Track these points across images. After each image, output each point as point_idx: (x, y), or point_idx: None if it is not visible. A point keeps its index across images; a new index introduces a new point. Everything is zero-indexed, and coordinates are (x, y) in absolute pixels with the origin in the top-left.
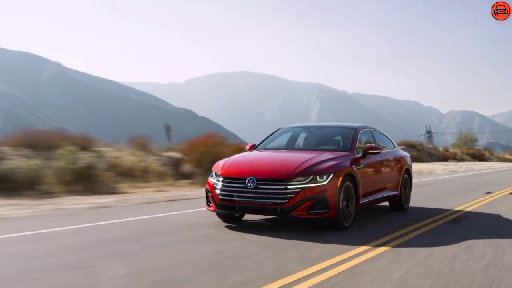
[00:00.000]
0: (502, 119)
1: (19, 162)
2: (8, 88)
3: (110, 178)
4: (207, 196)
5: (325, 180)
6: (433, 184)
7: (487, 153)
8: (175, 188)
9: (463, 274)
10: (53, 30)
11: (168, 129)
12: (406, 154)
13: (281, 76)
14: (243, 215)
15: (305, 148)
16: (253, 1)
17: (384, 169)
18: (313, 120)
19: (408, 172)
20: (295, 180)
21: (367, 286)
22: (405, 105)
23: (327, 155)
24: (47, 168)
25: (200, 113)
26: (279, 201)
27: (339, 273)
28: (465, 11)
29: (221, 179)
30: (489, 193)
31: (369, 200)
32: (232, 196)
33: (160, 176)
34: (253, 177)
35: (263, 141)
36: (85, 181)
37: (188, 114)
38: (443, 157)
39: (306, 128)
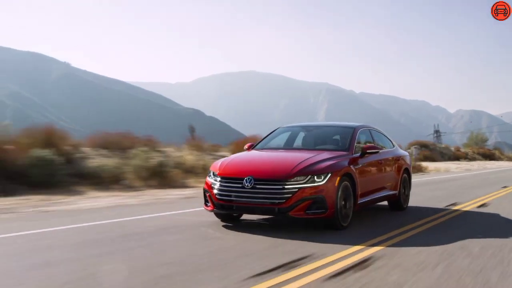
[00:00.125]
0: (510, 118)
1: (101, 161)
2: (17, 88)
3: (178, 175)
4: (205, 196)
5: (322, 180)
6: (455, 180)
7: (497, 153)
8: None
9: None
10: (61, 30)
11: (192, 130)
12: (405, 153)
13: (288, 75)
14: (241, 215)
15: (304, 148)
16: (261, 1)
17: (383, 169)
18: (321, 120)
19: (407, 171)
20: (292, 180)
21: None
22: (413, 104)
23: (325, 155)
24: (126, 166)
25: (207, 113)
26: (277, 201)
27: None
28: (472, 10)
29: (218, 179)
30: (505, 187)
31: (367, 199)
32: (230, 196)
33: None
34: (250, 177)
35: (262, 140)
36: (158, 177)
37: (196, 114)
38: (455, 157)
39: (305, 128)
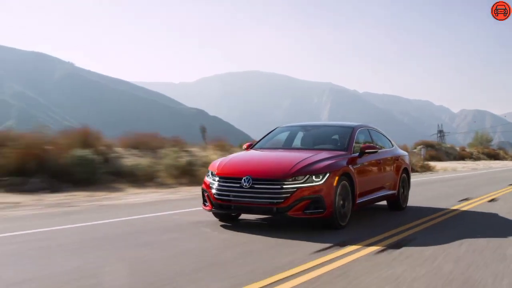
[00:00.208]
0: None
1: (135, 160)
2: (22, 88)
3: (205, 173)
4: (203, 196)
5: (321, 180)
6: (464, 179)
7: (501, 153)
8: None
9: None
10: (65, 30)
11: (203, 130)
12: (404, 153)
13: (292, 75)
14: (239, 215)
15: (302, 148)
16: (263, 1)
17: (382, 168)
18: (324, 120)
19: (406, 171)
20: (290, 179)
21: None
22: (416, 104)
23: (323, 155)
24: (158, 165)
25: (210, 112)
26: (275, 200)
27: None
28: (476, 9)
29: (217, 178)
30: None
31: (366, 199)
32: (228, 195)
33: None
34: (248, 177)
35: (260, 140)
36: (188, 175)
37: (200, 113)
38: (460, 156)
39: (303, 127)
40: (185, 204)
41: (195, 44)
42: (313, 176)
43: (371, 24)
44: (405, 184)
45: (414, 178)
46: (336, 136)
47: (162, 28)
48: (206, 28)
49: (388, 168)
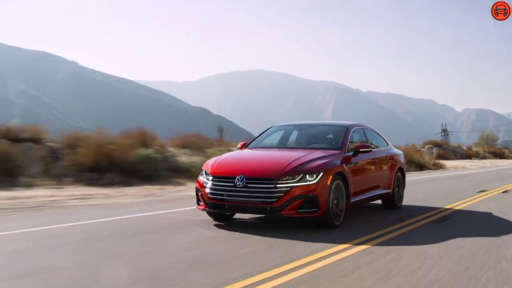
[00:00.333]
0: None
1: (188, 158)
2: (26, 87)
3: None
4: (197, 195)
5: (314, 179)
6: (476, 175)
7: (507, 152)
8: None
9: None
10: (68, 30)
11: (221, 130)
12: (399, 152)
13: (295, 74)
14: (233, 214)
15: (296, 147)
16: (267, 1)
17: (376, 168)
18: (328, 118)
19: (401, 170)
20: (284, 178)
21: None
22: (420, 103)
23: (317, 154)
24: None
25: (214, 111)
26: (269, 200)
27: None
28: (479, 9)
29: (210, 178)
30: None
31: (360, 198)
32: (222, 195)
33: None
34: (242, 176)
35: (255, 139)
36: None
37: (204, 112)
38: (467, 155)
39: (298, 127)
40: None
41: (198, 43)
42: (307, 175)
43: (374, 23)
44: (400, 183)
45: (432, 174)
46: (330, 135)
47: (165, 27)
48: (209, 27)
49: (382, 167)
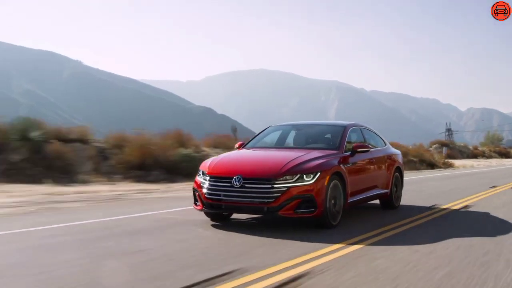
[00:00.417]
0: None
1: None
2: (31, 86)
3: None
4: (194, 195)
5: (312, 179)
6: (484, 173)
7: None
8: None
9: None
10: (73, 29)
11: (234, 130)
12: (397, 152)
13: (299, 73)
14: (231, 214)
15: (294, 147)
16: (270, 0)
17: (374, 167)
18: (332, 118)
19: (399, 170)
20: (281, 179)
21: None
22: (424, 102)
23: (315, 154)
24: None
25: (218, 111)
26: (266, 200)
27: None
28: (483, 8)
29: (207, 178)
30: None
31: (358, 198)
32: (219, 195)
33: None
34: (239, 176)
35: (252, 139)
36: None
37: (208, 112)
38: (473, 155)
39: (295, 127)
40: None
41: (202, 42)
42: (304, 175)
43: (378, 22)
44: (398, 183)
45: (445, 173)
46: (328, 135)
47: (168, 27)
48: (212, 26)
49: (380, 167)
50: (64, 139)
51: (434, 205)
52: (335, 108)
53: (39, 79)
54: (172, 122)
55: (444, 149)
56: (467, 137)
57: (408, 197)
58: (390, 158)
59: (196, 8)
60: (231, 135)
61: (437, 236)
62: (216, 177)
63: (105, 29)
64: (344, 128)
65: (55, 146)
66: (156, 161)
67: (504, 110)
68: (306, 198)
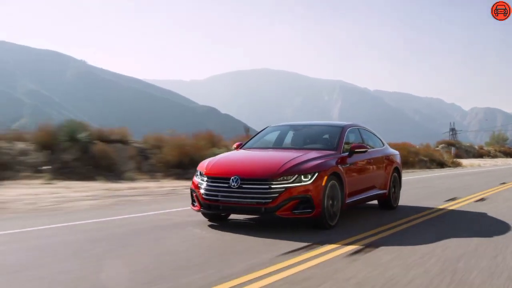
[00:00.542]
0: None
1: None
2: (35, 86)
3: None
4: (192, 196)
5: (309, 180)
6: (492, 172)
7: None
8: None
9: None
10: (77, 29)
11: (247, 130)
12: (395, 152)
13: (302, 73)
14: (228, 215)
15: (292, 147)
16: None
17: (372, 168)
18: (335, 117)
19: (397, 170)
20: (279, 179)
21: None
22: (427, 102)
23: (312, 154)
24: None
25: (221, 110)
26: (263, 200)
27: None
28: (486, 8)
29: (205, 178)
30: None
31: (356, 199)
32: (216, 195)
33: None
34: (237, 177)
35: (250, 139)
36: None
37: (212, 111)
38: (479, 154)
39: (293, 127)
40: None
41: (205, 42)
42: (302, 176)
43: (382, 22)
44: (396, 183)
45: (455, 171)
46: (326, 136)
47: (171, 26)
48: (215, 26)
49: (378, 168)
50: (106, 140)
51: (455, 197)
52: (338, 107)
53: (43, 78)
54: (176, 122)
55: (453, 149)
56: (471, 137)
57: (432, 191)
58: (388, 159)
59: (200, 8)
60: (245, 135)
61: (470, 217)
62: (213, 177)
63: (108, 29)
64: (342, 129)
65: (100, 146)
66: (192, 160)
67: (508, 109)
68: (303, 199)
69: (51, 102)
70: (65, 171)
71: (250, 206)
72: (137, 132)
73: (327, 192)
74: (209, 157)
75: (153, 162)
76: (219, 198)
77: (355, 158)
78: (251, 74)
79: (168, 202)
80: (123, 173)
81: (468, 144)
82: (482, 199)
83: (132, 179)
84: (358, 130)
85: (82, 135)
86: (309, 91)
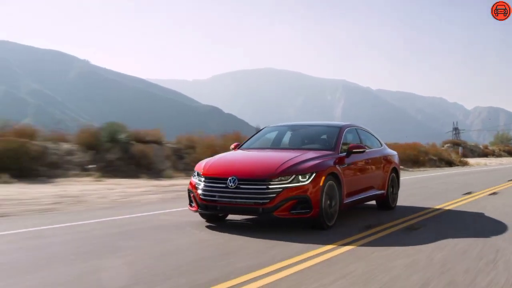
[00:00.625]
0: None
1: None
2: (39, 86)
3: None
4: (189, 196)
5: (307, 180)
6: (499, 170)
7: None
8: None
9: None
10: (80, 29)
11: (259, 131)
12: (393, 152)
13: (305, 72)
14: (226, 215)
15: (290, 147)
16: None
17: (370, 168)
18: (338, 117)
19: (396, 170)
20: (276, 179)
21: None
22: (430, 101)
23: (310, 154)
24: None
25: (224, 110)
26: (261, 201)
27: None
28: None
29: (202, 179)
30: None
31: (354, 199)
32: (214, 196)
33: None
34: (234, 177)
35: (248, 140)
36: None
37: (215, 111)
38: (484, 154)
39: (291, 127)
40: None
41: (208, 41)
42: (299, 176)
43: (385, 21)
44: (394, 183)
45: (464, 170)
46: (323, 136)
47: (174, 26)
48: (218, 25)
49: (376, 168)
50: (142, 141)
51: (471, 191)
52: (341, 107)
53: (47, 78)
54: (179, 121)
55: (460, 149)
56: (474, 136)
57: (449, 186)
58: (386, 159)
59: (203, 7)
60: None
61: (488, 207)
62: (211, 178)
63: (111, 28)
64: (340, 129)
65: (139, 147)
66: None
67: (511, 108)
68: (301, 199)
69: (54, 102)
70: (109, 170)
71: (247, 207)
72: None
73: (325, 192)
74: None
75: (187, 161)
76: (217, 199)
77: (353, 158)
78: (254, 74)
79: None
80: (161, 172)
81: (473, 144)
82: (494, 193)
83: (170, 177)
84: (356, 130)
85: (121, 136)
86: (312, 90)
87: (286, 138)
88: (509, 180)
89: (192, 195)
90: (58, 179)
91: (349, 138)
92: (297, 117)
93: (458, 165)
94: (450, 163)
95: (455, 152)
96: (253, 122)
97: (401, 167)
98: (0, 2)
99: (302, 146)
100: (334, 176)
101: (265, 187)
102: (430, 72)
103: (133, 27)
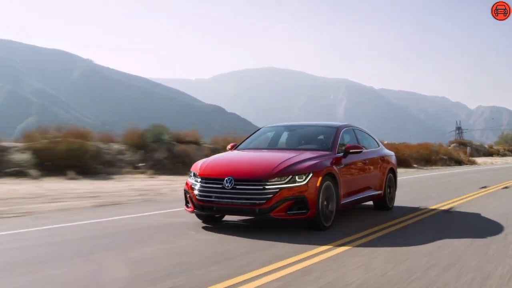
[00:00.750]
0: None
1: None
2: (42, 85)
3: None
4: (185, 197)
5: (304, 180)
6: (507, 168)
7: None
8: None
9: None
10: (84, 28)
11: None
12: (391, 153)
13: (308, 72)
14: (223, 216)
15: (286, 148)
16: None
17: (367, 168)
18: (341, 116)
19: (393, 171)
20: (273, 180)
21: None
22: (433, 100)
23: (307, 155)
24: None
25: (227, 109)
26: (257, 201)
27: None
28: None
29: (199, 179)
30: None
31: (351, 200)
32: (210, 197)
33: None
34: (231, 178)
35: (244, 140)
36: None
37: (218, 110)
38: (489, 153)
39: (288, 127)
40: None
41: (211, 41)
42: (296, 177)
43: (387, 20)
44: (392, 184)
45: (474, 168)
46: (320, 136)
47: (177, 25)
48: (221, 25)
49: (373, 168)
50: (183, 141)
51: (486, 186)
52: (343, 106)
53: (50, 78)
54: (182, 121)
55: (469, 148)
56: (477, 136)
57: (467, 182)
58: (383, 159)
59: (206, 7)
60: None
61: (503, 196)
62: (207, 178)
63: (114, 28)
64: (337, 129)
65: (182, 147)
66: None
67: None
68: (298, 200)
69: (58, 101)
70: (158, 167)
71: (244, 207)
72: None
73: (321, 192)
74: None
75: None
76: (213, 199)
77: (350, 158)
78: (257, 73)
79: None
80: None
81: (478, 143)
82: (506, 187)
83: None
84: (353, 130)
85: (165, 137)
86: (315, 89)
87: (283, 139)
88: None
89: (188, 195)
90: (115, 176)
91: (346, 138)
92: (299, 116)
93: (467, 164)
94: (459, 162)
95: (462, 151)
96: (256, 121)
97: (415, 165)
98: (4, 1)
99: (299, 147)
100: (331, 176)
101: (261, 187)
102: (433, 72)
103: (136, 26)
